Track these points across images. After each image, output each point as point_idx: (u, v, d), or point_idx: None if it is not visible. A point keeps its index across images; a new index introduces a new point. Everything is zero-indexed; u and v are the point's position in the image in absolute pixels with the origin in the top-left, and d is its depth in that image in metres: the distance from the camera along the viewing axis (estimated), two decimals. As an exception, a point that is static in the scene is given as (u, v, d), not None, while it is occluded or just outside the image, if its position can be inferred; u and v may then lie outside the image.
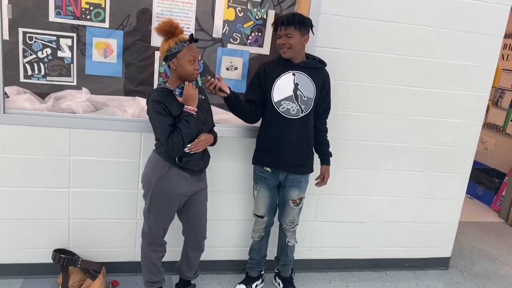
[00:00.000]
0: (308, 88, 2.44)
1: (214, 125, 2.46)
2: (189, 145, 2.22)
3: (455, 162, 3.12)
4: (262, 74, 2.46)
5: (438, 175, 3.12)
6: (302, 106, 2.44)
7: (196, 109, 2.19)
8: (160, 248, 2.43)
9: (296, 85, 2.42)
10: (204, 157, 2.36)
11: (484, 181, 5.00)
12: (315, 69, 2.49)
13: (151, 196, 2.28)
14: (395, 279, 3.18)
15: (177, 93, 2.21)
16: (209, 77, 2.39)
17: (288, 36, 2.34)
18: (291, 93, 2.42)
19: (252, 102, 2.48)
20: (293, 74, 2.43)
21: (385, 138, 2.95)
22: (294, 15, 2.34)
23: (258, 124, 2.70)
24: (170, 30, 2.15)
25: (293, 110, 2.43)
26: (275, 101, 2.44)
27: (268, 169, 2.53)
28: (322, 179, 2.65)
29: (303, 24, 2.35)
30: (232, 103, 2.42)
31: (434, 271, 3.34)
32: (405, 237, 3.22)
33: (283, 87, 2.43)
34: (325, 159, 2.64)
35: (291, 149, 2.48)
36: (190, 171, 2.28)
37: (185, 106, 2.17)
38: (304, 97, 2.43)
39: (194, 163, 2.28)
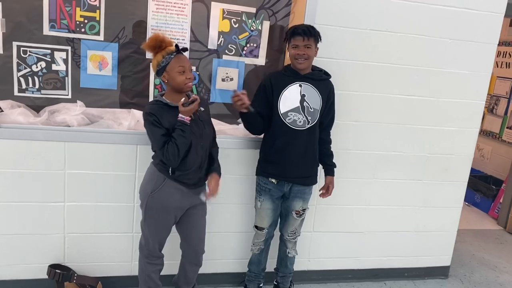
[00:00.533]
0: (315, 100, 2.44)
1: (215, 137, 2.44)
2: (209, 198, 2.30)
3: (452, 170, 3.12)
4: (269, 85, 2.45)
5: (435, 183, 3.12)
6: (309, 118, 2.43)
7: (190, 118, 2.16)
8: (157, 261, 2.39)
9: (303, 96, 2.42)
10: (201, 171, 2.31)
11: (481, 188, 5.00)
12: (321, 80, 2.49)
13: (146, 207, 2.27)
14: (394, 289, 3.16)
15: (184, 104, 2.14)
16: (237, 91, 2.34)
17: (307, 47, 2.34)
18: (298, 104, 2.41)
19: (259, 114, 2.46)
20: (300, 85, 2.43)
21: (382, 147, 2.95)
22: (312, 27, 2.37)
23: (257, 134, 2.70)
24: (155, 45, 2.13)
25: (300, 122, 2.42)
26: (281, 112, 2.42)
27: (273, 180, 2.51)
28: (327, 190, 2.63)
29: (319, 35, 2.40)
30: (249, 117, 2.41)
31: (434, 280, 3.32)
32: (404, 247, 3.20)
33: (290, 98, 2.42)
34: (330, 170, 2.63)
35: (298, 160, 2.47)
36: (185, 184, 2.26)
37: (179, 115, 2.14)
38: (311, 108, 2.43)
39: (189, 177, 2.25)
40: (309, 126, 2.43)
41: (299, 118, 2.41)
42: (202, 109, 2.31)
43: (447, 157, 3.08)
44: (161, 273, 2.45)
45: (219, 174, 2.40)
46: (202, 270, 2.57)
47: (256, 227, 2.66)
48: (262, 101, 2.46)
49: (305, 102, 2.41)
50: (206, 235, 2.50)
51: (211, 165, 2.39)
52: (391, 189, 3.04)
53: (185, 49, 2.20)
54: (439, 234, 3.25)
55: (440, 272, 3.35)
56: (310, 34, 2.34)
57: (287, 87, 2.42)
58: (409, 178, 3.05)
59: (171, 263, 2.57)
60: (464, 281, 3.37)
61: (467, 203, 5.05)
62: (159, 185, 2.23)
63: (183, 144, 2.14)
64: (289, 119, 2.41)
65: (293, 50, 2.37)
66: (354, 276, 3.16)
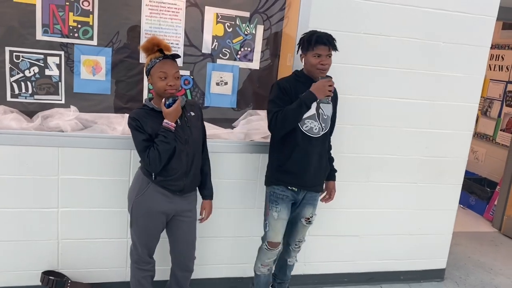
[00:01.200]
0: (328, 107, 2.40)
1: (205, 142, 2.39)
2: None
3: (447, 172, 3.12)
4: (289, 90, 2.35)
5: (430, 186, 3.12)
6: (323, 125, 2.39)
7: (175, 125, 2.14)
8: (147, 267, 2.36)
9: (318, 103, 2.35)
10: (187, 177, 2.25)
11: (476, 191, 5.01)
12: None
13: (131, 211, 2.27)
14: (390, 292, 3.16)
15: (166, 103, 2.13)
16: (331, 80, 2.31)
17: (329, 56, 2.30)
18: (314, 111, 2.35)
19: None
20: None
21: (376, 151, 2.95)
22: (330, 35, 2.31)
23: (250, 139, 2.69)
24: (149, 47, 2.13)
25: (316, 129, 2.37)
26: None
27: (295, 188, 2.43)
28: (329, 195, 2.62)
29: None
30: (303, 113, 2.33)
31: (429, 283, 3.32)
32: (399, 250, 3.20)
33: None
34: (332, 174, 2.61)
35: (315, 168, 2.42)
36: (170, 190, 2.23)
37: (165, 120, 2.12)
38: (325, 115, 2.39)
39: (172, 183, 2.21)
40: (323, 133, 2.40)
41: (315, 126, 2.37)
42: (193, 113, 2.28)
43: (442, 160, 3.09)
44: (155, 279, 2.43)
45: (211, 197, 2.43)
46: (195, 275, 2.56)
47: (268, 244, 2.52)
48: (286, 102, 2.33)
49: (320, 109, 2.37)
50: (200, 240, 2.48)
51: (203, 187, 2.40)
52: (386, 192, 3.04)
53: (175, 56, 2.17)
54: (434, 237, 3.25)
55: (435, 275, 3.35)
56: (332, 43, 2.29)
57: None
58: (404, 181, 3.06)
59: (165, 269, 2.55)
60: (460, 284, 3.37)
61: (462, 206, 5.06)
62: (143, 189, 2.22)
63: (165, 150, 2.12)
64: (306, 127, 2.35)
65: (315, 59, 2.28)
66: (350, 279, 3.15)
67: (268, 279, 2.67)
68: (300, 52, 2.37)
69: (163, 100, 2.13)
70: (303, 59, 2.35)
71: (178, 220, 2.32)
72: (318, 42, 2.27)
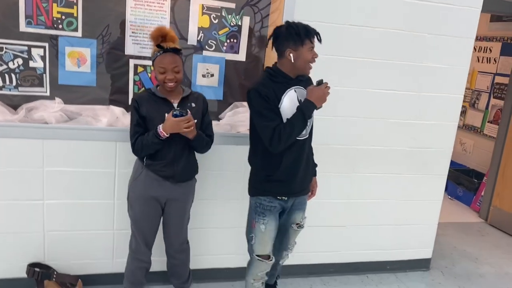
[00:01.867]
0: None
1: (205, 132, 2.36)
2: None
3: (432, 163, 3.15)
4: (271, 95, 2.12)
5: (415, 177, 3.15)
6: (309, 124, 2.22)
7: (167, 136, 2.15)
8: (142, 257, 2.37)
9: (300, 102, 2.17)
10: (177, 165, 2.27)
11: (463, 182, 5.06)
12: (307, 79, 2.30)
13: (128, 195, 2.34)
14: (376, 282, 3.18)
15: (173, 113, 2.13)
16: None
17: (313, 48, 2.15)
18: None
19: None
20: (295, 91, 2.20)
21: (361, 142, 2.97)
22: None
23: (236, 131, 2.69)
24: (154, 36, 2.18)
25: (303, 130, 2.19)
26: (285, 120, 2.15)
27: (284, 198, 2.27)
28: (312, 192, 2.49)
29: None
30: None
31: (416, 273, 3.36)
32: (385, 240, 3.23)
33: (290, 106, 2.15)
34: (313, 170, 2.49)
35: (304, 172, 2.28)
36: (160, 176, 2.26)
37: (161, 126, 2.14)
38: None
39: (159, 168, 2.25)
40: (308, 132, 2.26)
41: None
42: (194, 105, 2.30)
43: (427, 151, 3.12)
44: (155, 270, 2.47)
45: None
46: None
47: (260, 257, 2.31)
48: (274, 110, 2.14)
49: None
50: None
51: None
52: (371, 183, 3.06)
53: (176, 50, 2.18)
54: (420, 227, 3.29)
55: (421, 265, 3.39)
56: (319, 34, 2.15)
57: (285, 94, 2.16)
58: (389, 172, 3.08)
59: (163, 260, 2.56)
60: (445, 273, 3.42)
61: (450, 197, 5.11)
62: (138, 174, 2.29)
63: (148, 149, 2.19)
64: None
65: (310, 53, 2.12)
66: (337, 269, 3.18)
67: None
68: (283, 47, 2.13)
69: (172, 111, 2.15)
70: (290, 55, 2.10)
71: (168, 206, 2.35)
72: (312, 34, 2.13)
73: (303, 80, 2.26)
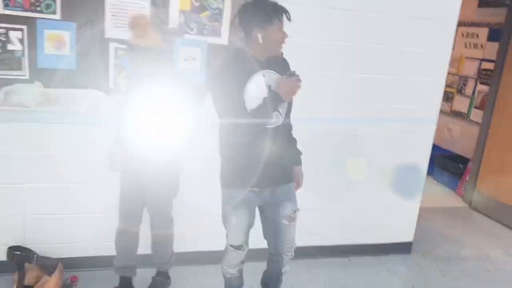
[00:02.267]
0: None
1: None
2: None
3: (413, 148, 3.18)
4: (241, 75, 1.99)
5: (398, 161, 3.17)
6: (280, 110, 2.07)
7: None
8: (127, 227, 2.44)
9: (269, 87, 2.01)
10: None
11: (449, 167, 5.11)
12: (281, 61, 2.14)
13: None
14: (358, 265, 3.23)
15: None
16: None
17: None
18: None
19: None
20: (264, 75, 2.03)
21: (342, 126, 2.98)
22: None
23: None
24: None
25: (272, 117, 2.04)
26: (249, 110, 1.99)
27: (255, 189, 2.12)
28: (297, 183, 2.33)
29: None
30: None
31: (397, 256, 3.40)
32: (367, 223, 3.27)
33: (255, 93, 1.99)
34: (297, 159, 2.31)
35: (277, 162, 2.10)
36: None
37: None
38: None
39: None
40: (282, 119, 2.09)
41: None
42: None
43: (409, 135, 3.14)
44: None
45: None
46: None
47: (232, 246, 2.21)
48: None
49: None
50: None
51: None
52: (352, 167, 3.08)
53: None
54: (401, 211, 3.33)
55: (403, 248, 3.44)
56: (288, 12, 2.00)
57: (250, 79, 2.00)
58: (370, 156, 3.10)
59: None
60: (426, 256, 3.47)
61: (436, 182, 5.16)
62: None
63: None
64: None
65: (278, 33, 1.97)
66: (318, 252, 3.21)
67: (241, 281, 2.35)
68: (250, 28, 1.98)
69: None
70: (258, 35, 1.95)
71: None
72: (281, 12, 1.97)
73: (274, 62, 2.08)
